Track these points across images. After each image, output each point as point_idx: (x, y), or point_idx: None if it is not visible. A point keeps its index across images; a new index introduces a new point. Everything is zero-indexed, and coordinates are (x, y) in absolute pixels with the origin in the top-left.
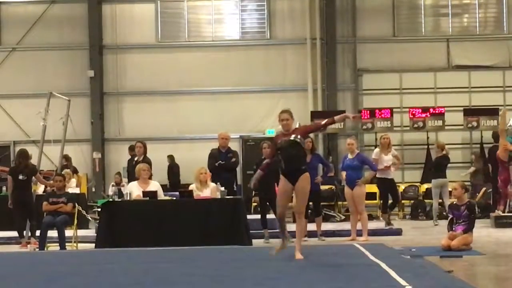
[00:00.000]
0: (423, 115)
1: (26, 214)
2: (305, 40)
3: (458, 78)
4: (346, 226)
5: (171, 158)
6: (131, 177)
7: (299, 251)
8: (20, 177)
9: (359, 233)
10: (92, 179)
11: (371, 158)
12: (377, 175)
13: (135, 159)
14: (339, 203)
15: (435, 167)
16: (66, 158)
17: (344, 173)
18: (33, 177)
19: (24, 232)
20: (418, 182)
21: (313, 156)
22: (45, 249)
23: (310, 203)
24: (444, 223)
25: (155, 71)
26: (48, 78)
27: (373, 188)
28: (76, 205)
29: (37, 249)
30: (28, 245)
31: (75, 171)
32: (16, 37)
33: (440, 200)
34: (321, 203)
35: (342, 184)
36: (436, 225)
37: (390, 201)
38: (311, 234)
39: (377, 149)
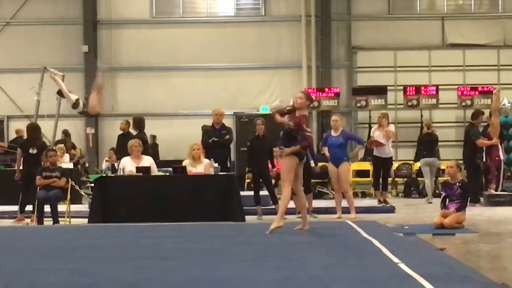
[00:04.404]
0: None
1: (34, 189)
2: (300, 17)
3: (452, 57)
4: None
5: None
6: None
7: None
8: (31, 150)
9: (345, 211)
10: (86, 154)
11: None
12: (373, 153)
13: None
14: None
15: (423, 145)
16: (66, 133)
17: (326, 149)
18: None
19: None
20: (412, 160)
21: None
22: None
23: None
24: (437, 201)
25: (150, 47)
26: (42, 52)
27: (366, 166)
28: (70, 180)
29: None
30: (28, 219)
31: (73, 146)
32: (10, 11)
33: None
34: (314, 180)
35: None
36: (430, 203)
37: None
38: (292, 211)
39: (374, 127)
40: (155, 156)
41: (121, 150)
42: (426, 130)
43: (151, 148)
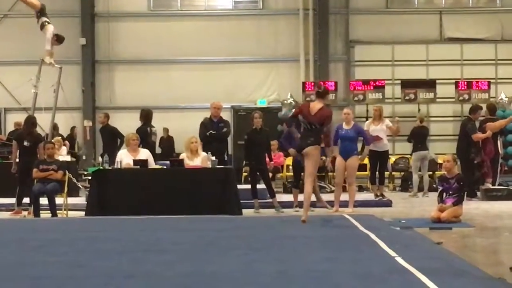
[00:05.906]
0: None
1: (30, 181)
2: (298, 10)
3: (450, 51)
4: None
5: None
6: None
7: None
8: (25, 143)
9: (341, 204)
10: (83, 147)
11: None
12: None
13: None
14: (330, 174)
15: (416, 138)
16: (54, 126)
17: (336, 149)
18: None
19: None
20: (409, 154)
21: None
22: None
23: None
24: (433, 195)
25: (147, 40)
26: (40, 45)
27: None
28: (67, 172)
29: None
30: (25, 212)
31: (63, 138)
32: (7, 3)
33: (419, 173)
34: None
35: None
36: (414, 196)
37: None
38: (289, 205)
39: (368, 121)
40: (170, 149)
41: (104, 143)
42: (418, 123)
43: (166, 141)
